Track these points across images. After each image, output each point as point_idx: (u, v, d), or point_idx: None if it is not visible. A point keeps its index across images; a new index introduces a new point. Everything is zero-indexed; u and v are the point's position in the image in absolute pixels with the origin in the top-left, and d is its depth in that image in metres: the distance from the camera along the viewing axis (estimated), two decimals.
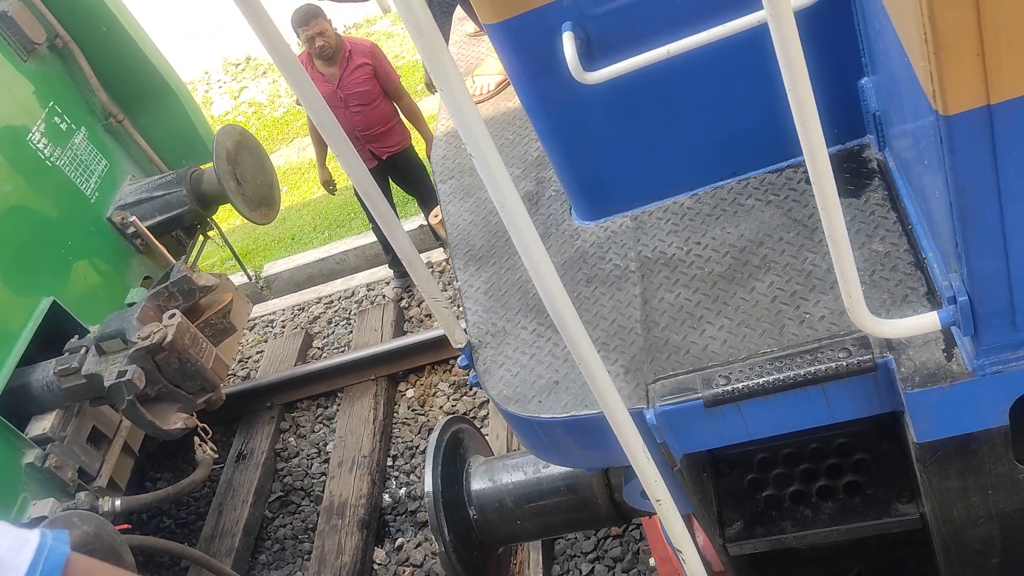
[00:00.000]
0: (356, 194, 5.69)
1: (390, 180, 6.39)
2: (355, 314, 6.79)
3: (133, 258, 5.26)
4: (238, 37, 11.64)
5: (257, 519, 5.42)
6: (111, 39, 5.28)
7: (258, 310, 7.36)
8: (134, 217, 5.15)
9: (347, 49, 5.83)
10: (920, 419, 1.73)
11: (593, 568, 4.21)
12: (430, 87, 7.10)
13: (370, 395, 5.78)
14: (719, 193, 2.32)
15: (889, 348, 1.76)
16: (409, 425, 5.63)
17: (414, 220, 7.32)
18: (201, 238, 5.74)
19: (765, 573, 2.42)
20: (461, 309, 2.49)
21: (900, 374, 1.72)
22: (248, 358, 6.88)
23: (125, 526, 3.97)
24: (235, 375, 6.69)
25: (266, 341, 6.99)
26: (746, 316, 1.99)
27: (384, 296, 6.86)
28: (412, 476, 5.31)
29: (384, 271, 7.08)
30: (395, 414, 5.78)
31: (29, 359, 4.38)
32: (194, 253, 5.70)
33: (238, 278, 7.37)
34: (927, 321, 1.61)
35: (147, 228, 5.16)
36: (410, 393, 5.84)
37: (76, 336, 4.47)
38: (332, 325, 6.86)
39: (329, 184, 6.59)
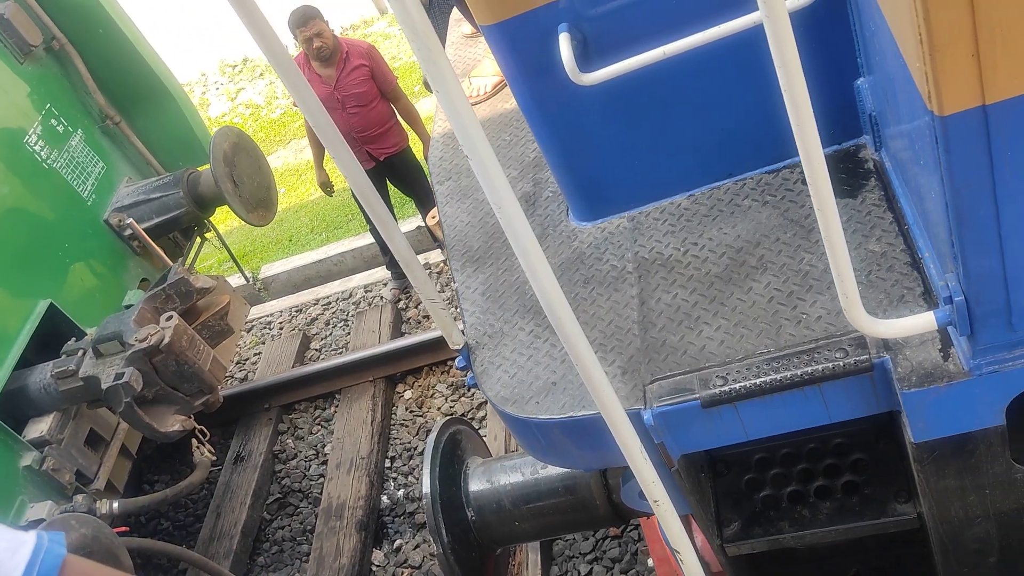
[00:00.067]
0: (353, 196, 5.69)
1: (387, 181, 6.39)
2: (353, 316, 6.78)
3: (130, 260, 5.26)
4: (235, 39, 11.63)
5: (255, 521, 5.41)
6: (108, 41, 5.27)
7: (256, 312, 7.36)
8: (131, 219, 5.14)
9: (344, 50, 5.83)
10: (917, 419, 1.73)
11: (592, 569, 4.21)
12: (428, 86, 7.10)
13: (368, 396, 5.78)
14: (716, 194, 2.32)
15: (886, 348, 1.76)
16: (407, 426, 5.63)
17: (411, 221, 7.32)
18: (198, 240, 5.74)
19: (763, 573, 2.42)
20: (458, 310, 2.49)
21: (897, 374, 1.72)
22: (246, 360, 6.88)
23: (123, 528, 3.96)
24: (233, 377, 6.68)
25: (264, 343, 6.98)
26: (743, 317, 1.99)
27: (382, 297, 6.85)
28: (410, 477, 5.30)
29: (382, 272, 7.08)
30: (393, 415, 5.77)
31: (26, 362, 4.38)
32: (191, 255, 5.69)
33: (235, 280, 7.38)
34: (923, 321, 1.61)
35: (144, 230, 5.15)
36: (408, 394, 5.84)
37: (73, 338, 4.46)
38: (330, 327, 6.86)
39: (327, 186, 6.59)
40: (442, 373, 5.81)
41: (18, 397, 4.27)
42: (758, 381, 1.83)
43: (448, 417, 4.16)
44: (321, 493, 5.34)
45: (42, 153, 4.89)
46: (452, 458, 2.94)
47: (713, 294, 2.08)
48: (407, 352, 5.88)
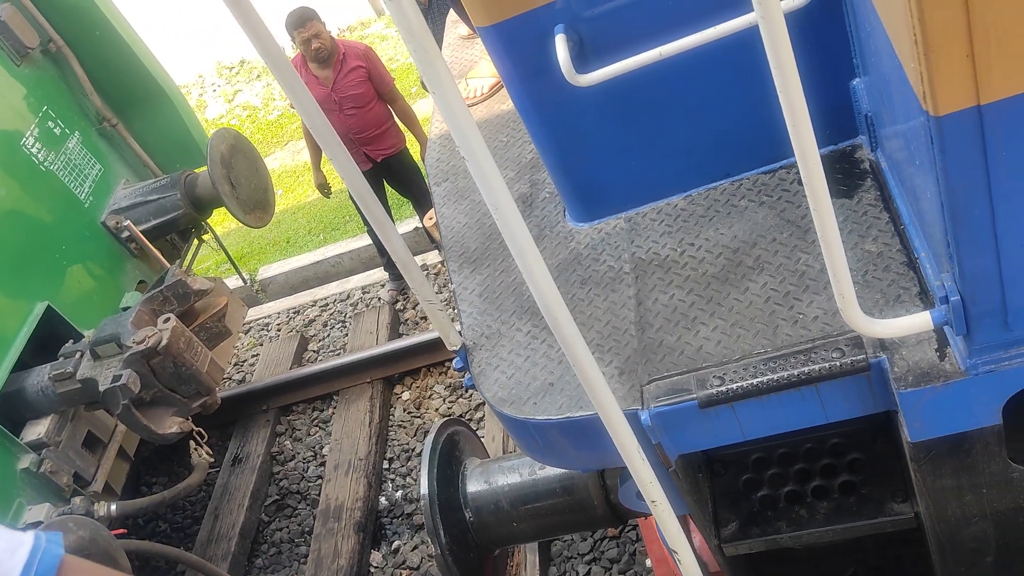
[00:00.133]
0: (351, 197, 5.70)
1: (385, 183, 6.39)
2: (350, 317, 6.78)
3: (127, 262, 5.25)
4: (232, 40, 11.64)
5: (253, 523, 5.41)
6: (104, 43, 5.27)
7: (253, 313, 7.36)
8: (128, 221, 5.14)
9: (341, 52, 5.83)
10: (914, 418, 1.73)
11: (590, 570, 4.21)
12: (426, 87, 7.10)
13: (366, 398, 5.78)
14: (712, 194, 2.32)
15: (882, 348, 1.76)
16: (405, 428, 5.63)
17: (409, 223, 7.32)
18: (196, 242, 5.73)
19: (761, 573, 2.43)
20: (456, 311, 2.49)
21: (893, 374, 1.72)
22: (243, 361, 6.87)
23: (121, 531, 3.96)
24: (230, 379, 6.68)
25: (261, 344, 6.98)
26: (740, 317, 1.99)
27: (379, 299, 6.85)
28: (408, 479, 5.30)
29: (379, 274, 7.08)
30: (391, 417, 5.77)
31: (24, 364, 4.37)
32: (189, 257, 5.68)
33: (233, 282, 7.37)
34: (920, 321, 1.61)
35: (141, 232, 5.15)
36: (406, 396, 5.84)
37: (71, 341, 4.46)
38: (327, 328, 6.86)
39: (324, 187, 6.59)
40: (440, 374, 5.82)
41: (16, 399, 4.26)
42: (755, 381, 1.83)
43: (446, 418, 4.16)
44: (319, 495, 5.34)
45: (39, 155, 4.89)
46: (450, 459, 2.94)
47: (710, 294, 2.08)
48: (405, 353, 5.88)
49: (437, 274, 6.61)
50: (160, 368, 4.10)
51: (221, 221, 8.65)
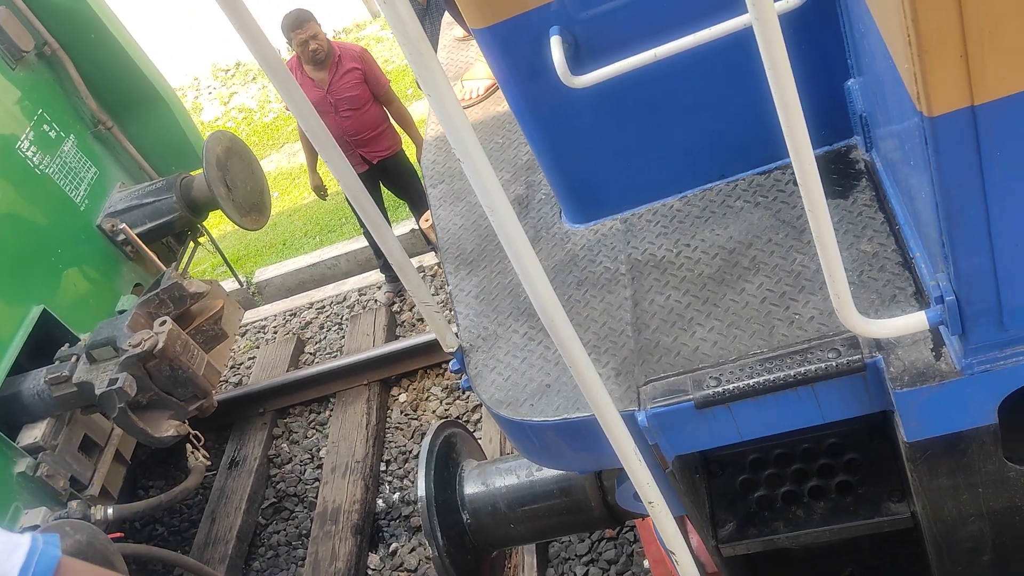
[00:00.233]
0: (347, 199, 5.69)
1: (381, 185, 6.39)
2: (347, 319, 6.78)
3: (123, 265, 5.24)
4: (227, 43, 11.63)
5: (250, 526, 5.40)
6: (99, 46, 5.27)
7: (249, 316, 7.35)
8: (124, 224, 5.13)
9: (336, 54, 5.83)
10: (910, 418, 1.73)
11: (588, 571, 4.21)
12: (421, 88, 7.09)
13: (363, 400, 5.77)
14: (708, 195, 2.33)
15: (878, 348, 1.77)
16: (402, 430, 5.62)
17: (405, 224, 7.32)
18: (192, 244, 5.73)
19: (758, 574, 2.43)
20: (452, 313, 2.49)
21: (889, 374, 1.73)
22: (240, 364, 6.86)
23: (118, 534, 3.95)
24: (227, 381, 6.67)
25: (258, 347, 6.97)
26: (736, 317, 1.99)
27: (376, 301, 6.85)
28: (406, 481, 5.30)
29: (376, 276, 7.07)
30: (388, 419, 5.77)
31: (19, 368, 4.36)
32: (185, 260, 5.68)
33: (229, 284, 7.36)
34: (915, 321, 1.61)
35: (137, 235, 5.14)
36: (403, 398, 5.83)
37: (67, 344, 4.45)
38: (324, 330, 6.85)
39: (320, 189, 6.59)
40: (437, 376, 5.81)
41: (12, 403, 4.25)
42: (751, 382, 1.83)
43: (443, 420, 4.16)
44: (316, 497, 5.33)
45: (34, 159, 4.88)
46: (447, 461, 2.94)
47: (706, 295, 2.08)
48: (401, 355, 5.87)
49: (433, 276, 6.61)
50: (156, 371, 4.09)
51: (217, 224, 8.64)
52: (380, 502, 5.23)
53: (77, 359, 4.24)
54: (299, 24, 5.65)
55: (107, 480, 4.50)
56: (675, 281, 2.16)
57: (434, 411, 5.59)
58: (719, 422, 1.90)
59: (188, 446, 4.57)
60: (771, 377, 1.82)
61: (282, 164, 10.24)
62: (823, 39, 2.04)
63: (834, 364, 1.78)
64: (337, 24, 12.16)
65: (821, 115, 2.10)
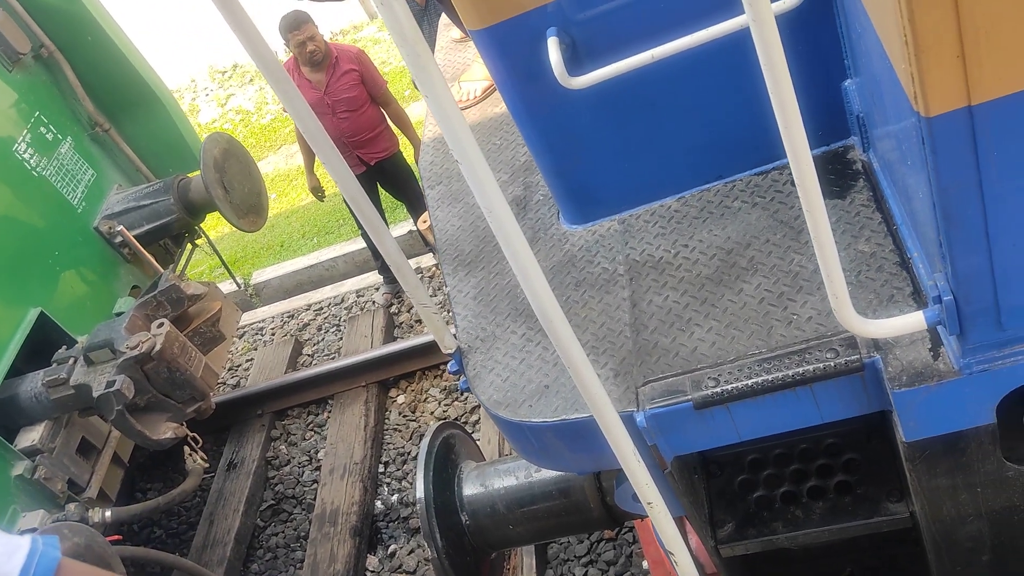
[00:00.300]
0: (344, 200, 5.69)
1: (378, 186, 6.39)
2: (345, 320, 6.78)
3: (121, 267, 5.24)
4: (225, 44, 11.62)
5: (249, 528, 5.40)
6: (96, 48, 5.26)
7: (247, 318, 7.34)
8: (121, 226, 5.13)
9: (334, 55, 5.83)
10: (908, 418, 1.73)
11: (587, 572, 4.21)
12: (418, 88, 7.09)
13: (361, 402, 5.77)
14: (706, 196, 2.33)
15: (876, 348, 1.77)
16: (400, 431, 5.62)
17: (403, 226, 7.32)
18: (189, 246, 5.73)
19: (757, 574, 2.43)
20: (450, 314, 2.49)
21: (887, 374, 1.73)
22: (238, 366, 6.86)
23: (116, 537, 3.95)
24: (225, 383, 6.66)
25: (256, 349, 6.97)
26: (734, 318, 2.00)
27: (374, 302, 6.85)
28: (404, 482, 5.29)
29: (374, 277, 7.07)
30: (386, 420, 5.76)
31: (17, 371, 4.36)
32: (182, 262, 5.68)
33: (227, 286, 7.36)
34: (913, 321, 1.62)
35: (135, 237, 5.14)
36: (401, 399, 5.83)
37: (64, 347, 4.44)
38: (322, 332, 6.85)
39: (317, 191, 6.58)
40: (435, 377, 5.81)
41: (9, 406, 4.25)
42: (750, 382, 1.83)
43: (441, 421, 4.16)
44: (315, 499, 5.33)
45: (31, 161, 4.88)
46: (446, 462, 2.94)
47: (704, 296, 2.08)
48: (400, 357, 5.87)
49: (431, 277, 6.61)
50: (154, 373, 4.09)
51: (214, 225, 8.65)
52: (379, 504, 5.23)
53: (74, 361, 4.23)
54: (296, 25, 5.65)
55: (105, 482, 4.49)
56: (673, 282, 2.16)
57: (432, 412, 5.59)
58: (718, 422, 1.90)
59: (186, 448, 4.57)
60: (769, 377, 1.82)
61: (279, 166, 10.24)
62: (820, 40, 2.04)
63: (832, 364, 1.78)
64: (334, 26, 12.16)
65: (818, 115, 2.10)
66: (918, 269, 1.84)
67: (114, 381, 3.95)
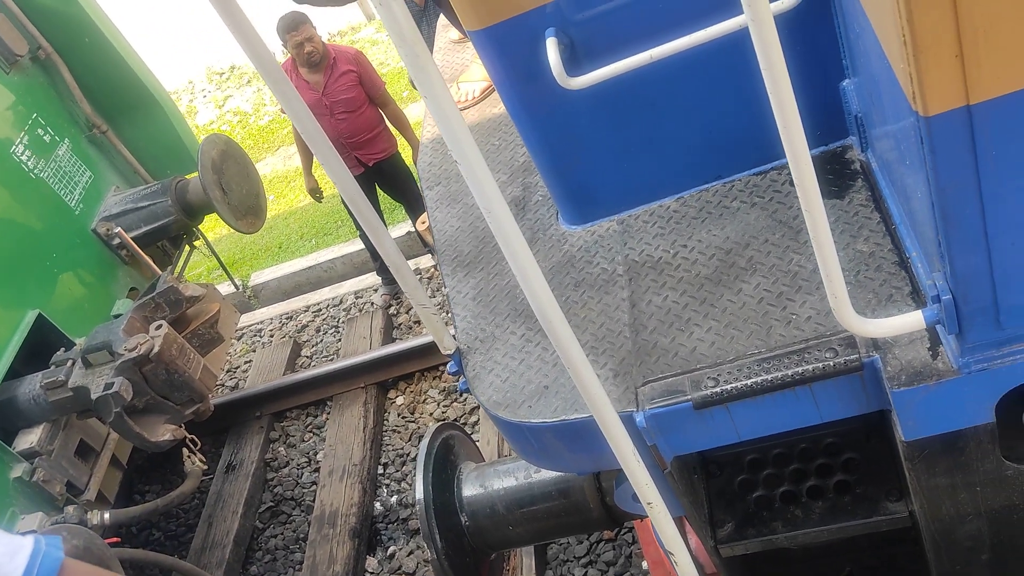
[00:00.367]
0: (343, 202, 5.68)
1: (377, 187, 6.39)
2: (343, 322, 6.77)
3: (119, 269, 5.24)
4: (222, 46, 11.62)
5: (247, 530, 5.39)
6: (94, 50, 5.26)
7: (246, 319, 7.34)
8: (119, 228, 5.13)
9: (332, 56, 5.83)
10: (907, 417, 1.74)
11: (586, 572, 4.21)
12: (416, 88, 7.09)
13: (360, 403, 5.77)
14: (704, 196, 2.33)
15: (875, 347, 1.77)
16: (399, 432, 5.62)
17: (401, 227, 7.32)
18: (187, 248, 5.72)
19: (757, 574, 2.43)
20: (450, 315, 2.49)
21: (887, 373, 1.73)
22: (236, 368, 6.85)
23: (115, 539, 3.94)
24: (223, 385, 6.66)
25: (254, 351, 6.96)
26: (733, 318, 2.00)
27: (372, 303, 6.85)
28: (403, 484, 5.29)
29: (372, 278, 7.07)
30: (385, 422, 5.76)
31: (15, 373, 4.35)
32: (180, 263, 5.67)
33: (225, 288, 7.34)
34: (912, 320, 1.62)
35: (132, 239, 5.14)
36: (400, 400, 5.83)
37: (62, 349, 4.44)
38: (320, 333, 6.85)
39: (316, 192, 6.58)
40: (434, 378, 5.81)
41: (7, 408, 4.24)
42: (749, 382, 1.83)
43: (441, 422, 4.15)
44: (314, 501, 5.33)
45: (29, 163, 4.87)
46: (445, 463, 2.94)
47: (703, 296, 2.08)
48: (398, 358, 5.87)
49: (430, 278, 6.60)
50: (152, 375, 4.08)
51: (212, 227, 8.64)
52: (378, 505, 5.22)
53: (73, 363, 4.23)
54: (294, 26, 5.65)
55: (103, 485, 4.49)
56: (672, 282, 2.16)
57: (431, 413, 5.59)
58: (717, 422, 1.90)
59: (184, 450, 4.57)
60: (769, 377, 1.82)
61: (277, 167, 10.24)
62: (818, 40, 2.05)
63: (831, 364, 1.78)
64: (332, 27, 12.16)
65: (817, 115, 2.10)
66: (917, 268, 1.84)
67: (112, 383, 3.94)
